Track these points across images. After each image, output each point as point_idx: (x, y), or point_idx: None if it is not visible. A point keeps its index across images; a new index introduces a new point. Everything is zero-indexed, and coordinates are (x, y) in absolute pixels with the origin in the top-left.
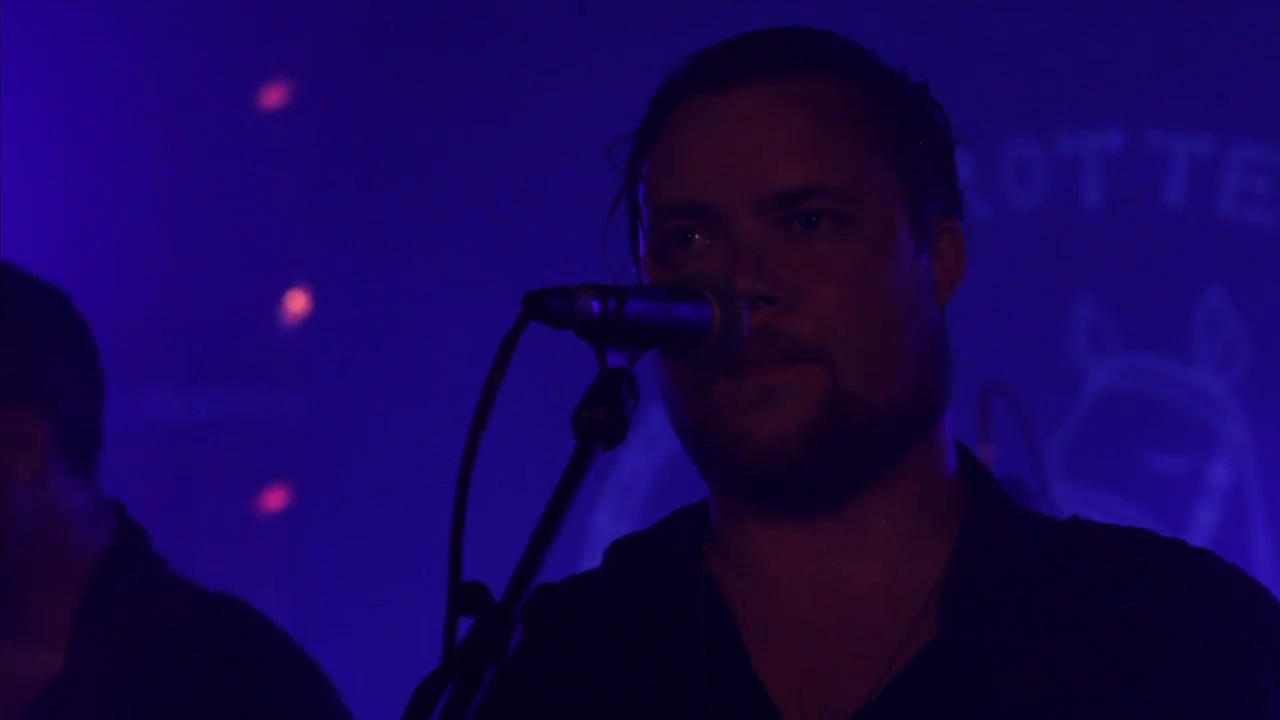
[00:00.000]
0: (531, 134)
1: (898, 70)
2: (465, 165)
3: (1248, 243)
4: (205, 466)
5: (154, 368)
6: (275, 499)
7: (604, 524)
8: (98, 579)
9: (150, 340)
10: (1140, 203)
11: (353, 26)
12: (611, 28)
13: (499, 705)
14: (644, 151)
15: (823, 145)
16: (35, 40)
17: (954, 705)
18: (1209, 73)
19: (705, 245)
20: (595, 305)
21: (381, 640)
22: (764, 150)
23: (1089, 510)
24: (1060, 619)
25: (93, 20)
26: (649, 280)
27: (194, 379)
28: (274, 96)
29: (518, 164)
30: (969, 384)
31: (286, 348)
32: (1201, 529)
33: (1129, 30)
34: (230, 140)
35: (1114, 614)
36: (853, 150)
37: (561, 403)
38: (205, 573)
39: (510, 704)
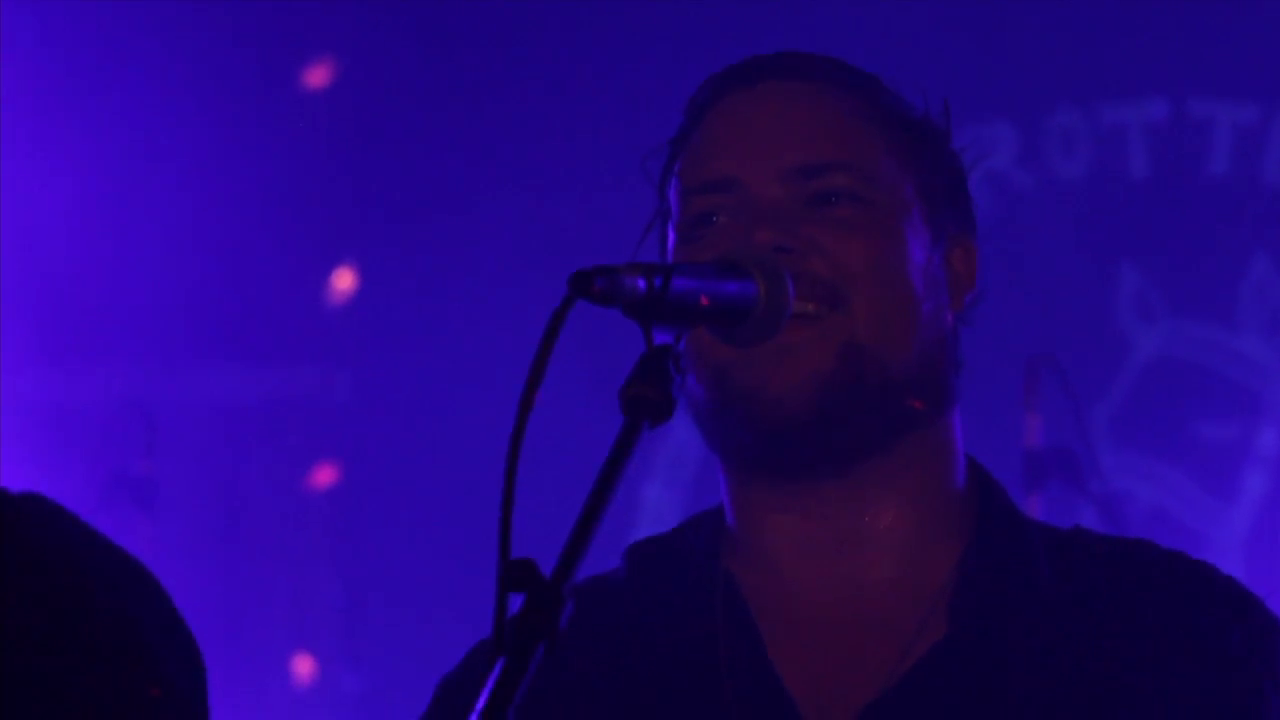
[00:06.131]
0: (579, 111)
1: (917, 104)
2: (511, 141)
3: None
4: (254, 445)
5: (201, 348)
6: (324, 476)
7: (654, 496)
8: None
9: (197, 321)
10: (1185, 171)
11: (396, 4)
12: (657, 13)
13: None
14: (677, 154)
15: (842, 132)
16: (79, 22)
17: (963, 702)
18: (1252, 41)
19: (728, 224)
20: (641, 283)
21: (430, 617)
22: (787, 130)
23: (1138, 479)
24: (1068, 624)
25: (136, 2)
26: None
27: (241, 358)
28: (318, 76)
29: (564, 140)
30: (1016, 355)
31: (334, 326)
32: (1250, 496)
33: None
34: (275, 120)
35: (1119, 621)
36: (871, 143)
37: (610, 380)
38: (254, 549)
39: (532, 702)
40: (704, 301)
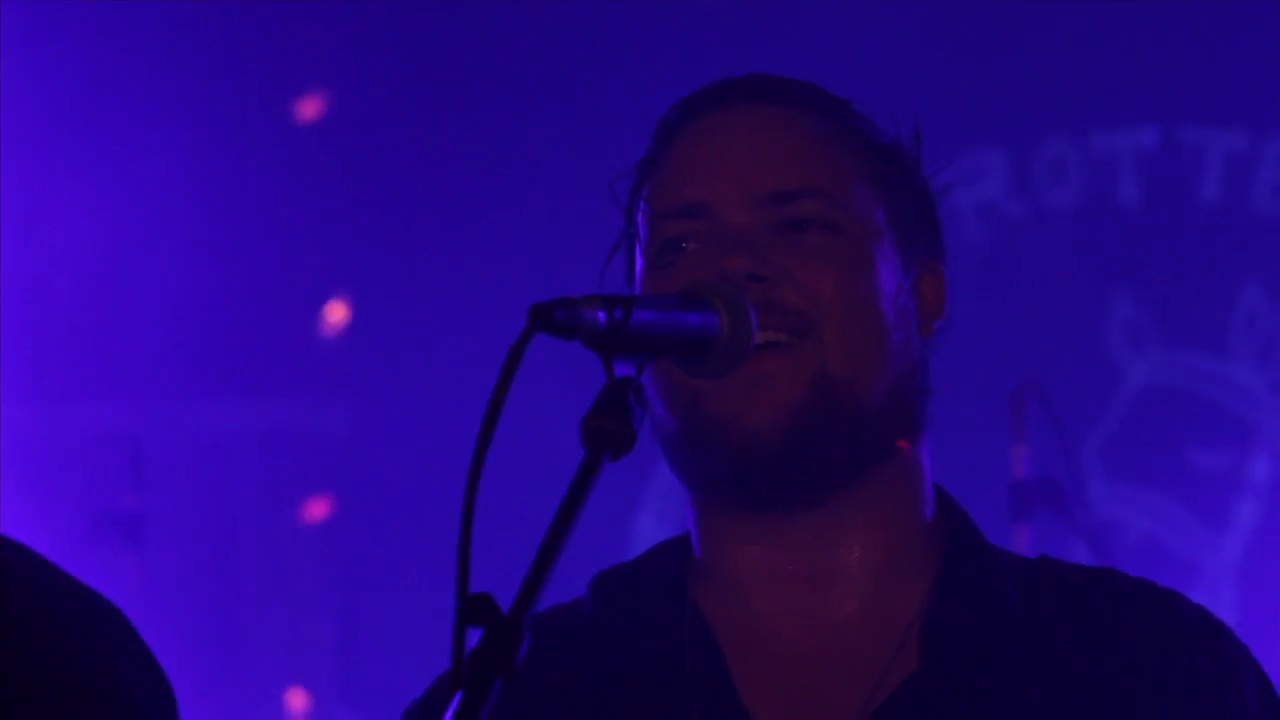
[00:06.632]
0: (571, 141)
1: (887, 129)
2: (503, 175)
3: None
4: (246, 478)
5: (195, 380)
6: (318, 509)
7: (648, 528)
8: None
9: (188, 353)
10: (1176, 199)
11: (387, 38)
12: (647, 44)
13: None
14: (645, 177)
15: (815, 157)
16: (76, 55)
17: None
18: (1242, 69)
19: (699, 251)
20: (601, 316)
21: (425, 651)
22: (759, 155)
23: (1130, 508)
24: (1039, 655)
25: (132, 35)
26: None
27: (233, 391)
28: (310, 109)
29: (556, 170)
30: (1007, 385)
31: (327, 358)
32: (1242, 524)
33: (1162, 27)
34: (266, 153)
35: (1089, 652)
36: (842, 169)
37: (579, 411)
38: (247, 583)
39: None
40: (665, 333)
